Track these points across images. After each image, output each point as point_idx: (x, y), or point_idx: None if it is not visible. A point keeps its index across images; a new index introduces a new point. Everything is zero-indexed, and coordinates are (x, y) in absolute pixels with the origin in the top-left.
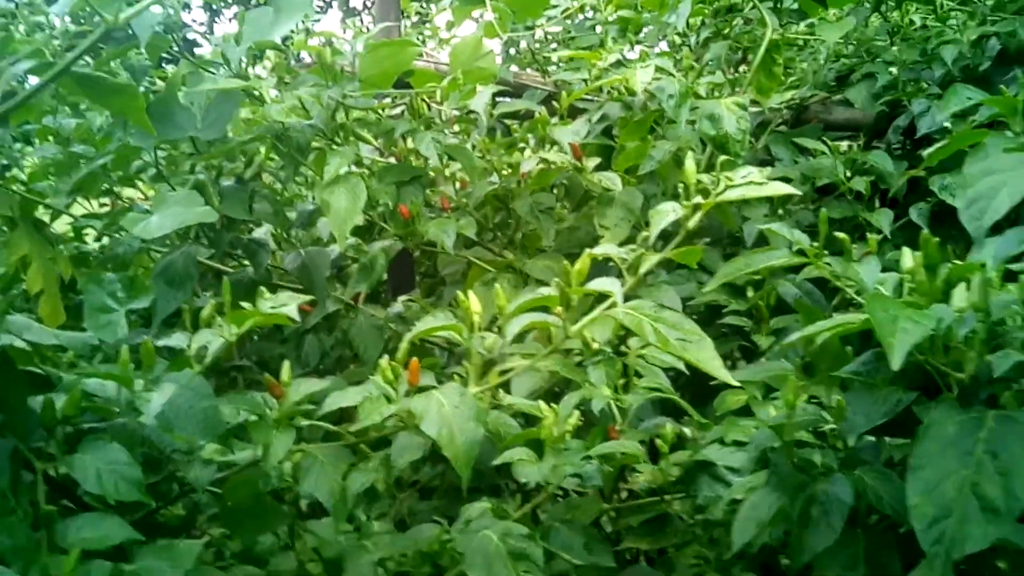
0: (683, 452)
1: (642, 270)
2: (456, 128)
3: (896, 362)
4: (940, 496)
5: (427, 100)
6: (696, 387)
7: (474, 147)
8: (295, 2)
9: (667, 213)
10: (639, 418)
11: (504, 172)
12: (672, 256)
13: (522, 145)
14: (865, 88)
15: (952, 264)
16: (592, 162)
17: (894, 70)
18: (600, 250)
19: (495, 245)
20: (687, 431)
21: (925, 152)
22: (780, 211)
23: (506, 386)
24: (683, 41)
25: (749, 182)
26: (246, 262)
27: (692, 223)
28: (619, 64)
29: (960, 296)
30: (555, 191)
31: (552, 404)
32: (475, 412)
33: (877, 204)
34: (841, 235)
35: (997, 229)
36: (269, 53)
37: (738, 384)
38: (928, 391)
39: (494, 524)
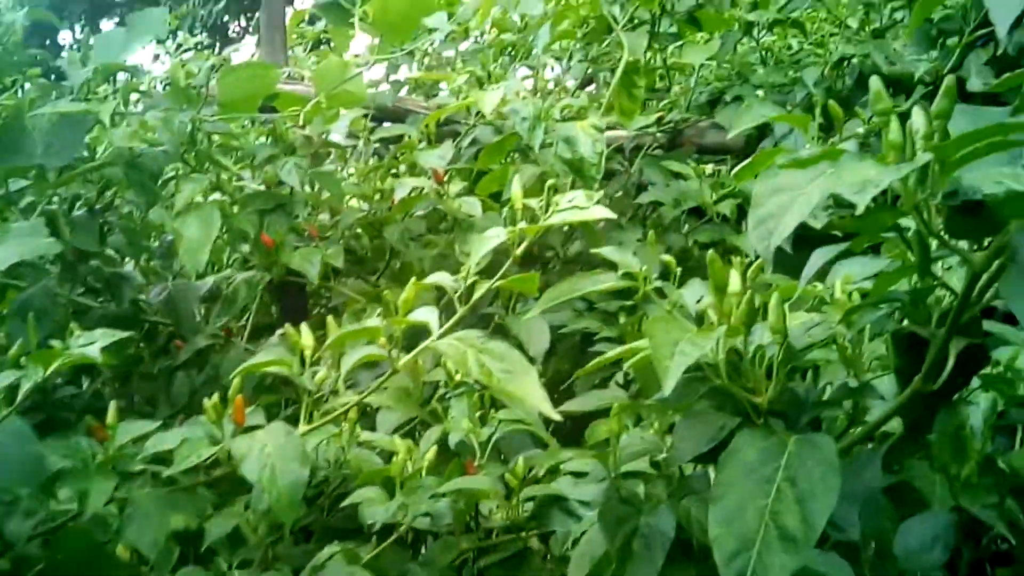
0: (536, 487)
1: (475, 297)
2: (330, 154)
3: (668, 386)
4: (741, 527)
5: (296, 125)
6: (581, 418)
7: (351, 173)
8: (148, 23)
9: (490, 239)
10: (518, 451)
11: (377, 199)
12: (507, 285)
13: (394, 171)
14: (733, 111)
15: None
16: (456, 187)
17: (761, 93)
18: (431, 279)
19: (375, 274)
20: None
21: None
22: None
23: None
24: (565, 65)
25: (573, 207)
26: None
27: (520, 250)
28: (480, 86)
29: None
30: (444, 220)
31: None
32: (300, 452)
33: (745, 227)
34: (667, 258)
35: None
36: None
37: (559, 417)
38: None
39: (342, 568)
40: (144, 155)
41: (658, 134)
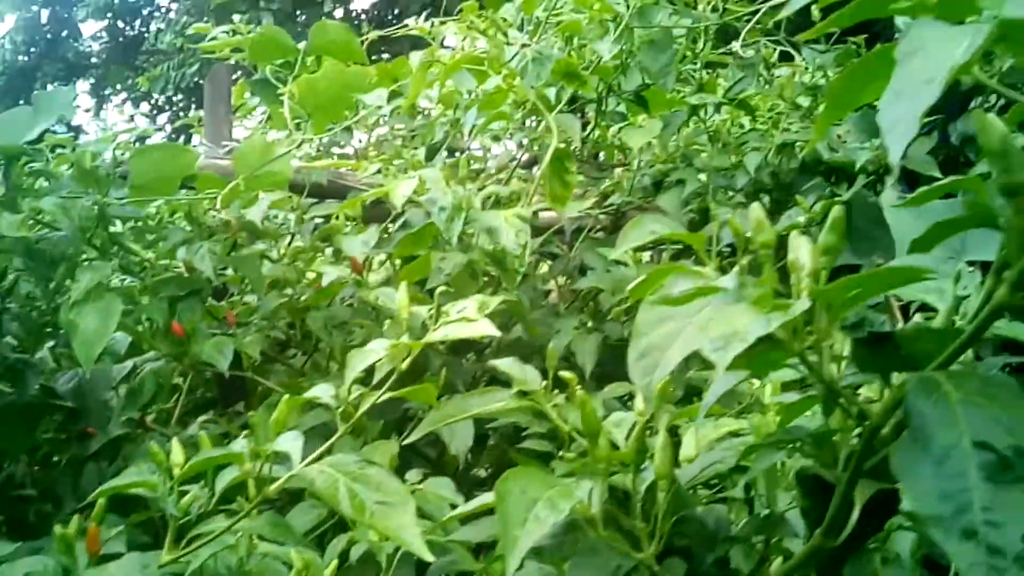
0: None
1: (360, 411)
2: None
3: (511, 566)
4: None
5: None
6: None
7: (282, 255)
8: (54, 103)
9: (368, 354)
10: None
11: (303, 283)
12: (403, 395)
13: (321, 255)
14: (676, 195)
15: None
16: (379, 275)
17: (703, 177)
18: (310, 394)
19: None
20: None
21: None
22: (590, 323)
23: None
24: (503, 146)
25: (461, 319)
26: None
27: (405, 364)
28: (404, 171)
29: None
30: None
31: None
32: None
33: None
34: (567, 375)
35: None
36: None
37: (432, 558)
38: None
39: None
40: (44, 241)
41: (600, 216)
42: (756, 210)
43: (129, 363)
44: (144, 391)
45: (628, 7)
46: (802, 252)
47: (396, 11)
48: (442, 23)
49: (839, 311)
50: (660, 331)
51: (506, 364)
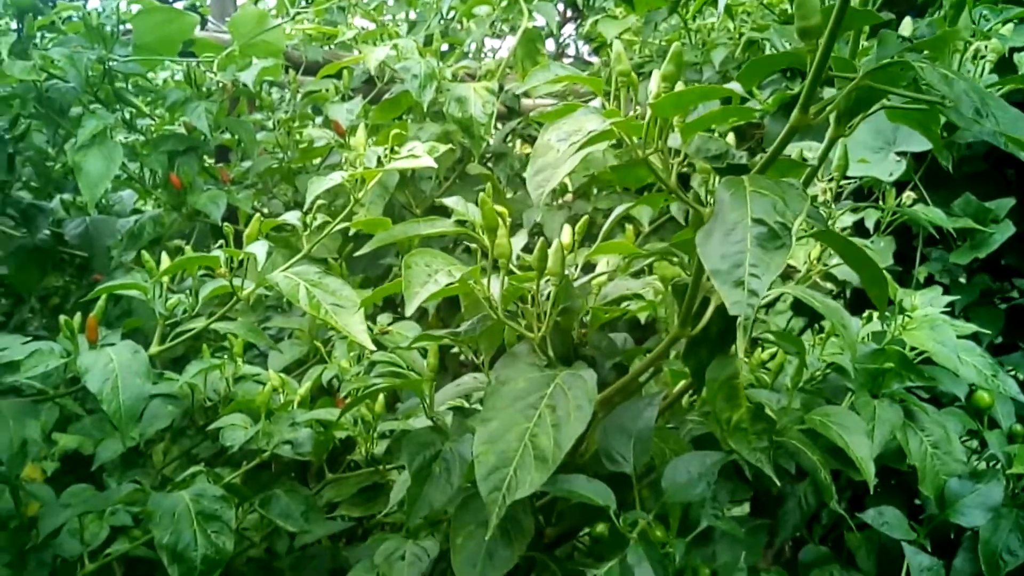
0: (392, 422)
1: (324, 234)
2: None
3: (409, 309)
4: (502, 446)
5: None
6: None
7: (278, 123)
8: None
9: (324, 181)
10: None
11: (301, 148)
12: (356, 226)
13: (310, 122)
14: (644, 88)
15: None
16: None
17: None
18: (281, 218)
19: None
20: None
21: None
22: (559, 201)
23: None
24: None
25: (409, 155)
26: None
27: (361, 193)
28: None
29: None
30: None
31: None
32: (145, 369)
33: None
34: (501, 208)
35: None
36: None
37: (372, 347)
38: None
39: (204, 485)
40: (52, 89)
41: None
42: (617, 46)
43: (132, 218)
44: (144, 234)
45: None
46: (652, 83)
47: None
48: None
49: (688, 133)
50: (550, 156)
51: (451, 200)
